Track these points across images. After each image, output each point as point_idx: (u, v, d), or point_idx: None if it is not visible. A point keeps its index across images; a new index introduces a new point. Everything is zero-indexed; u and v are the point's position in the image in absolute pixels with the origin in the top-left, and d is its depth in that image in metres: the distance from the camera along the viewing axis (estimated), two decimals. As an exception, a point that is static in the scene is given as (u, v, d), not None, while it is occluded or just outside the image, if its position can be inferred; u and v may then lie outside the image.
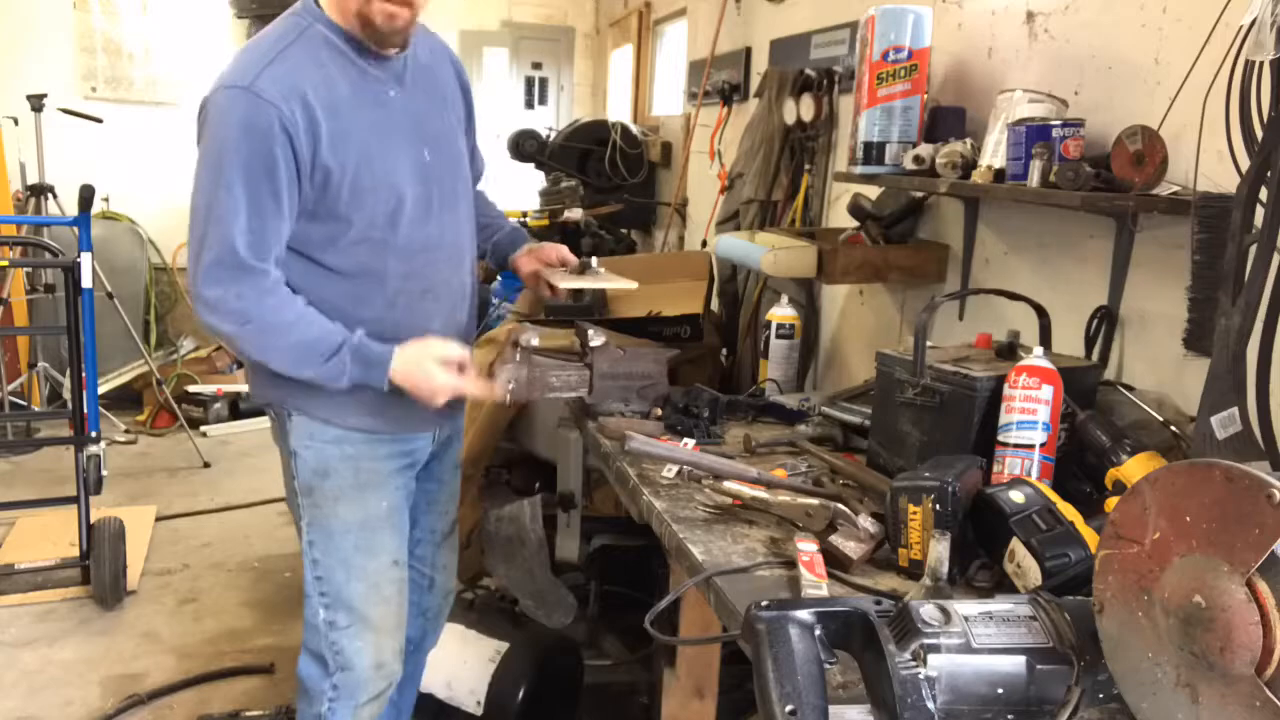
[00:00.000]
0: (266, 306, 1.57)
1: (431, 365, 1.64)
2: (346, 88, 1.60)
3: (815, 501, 1.46)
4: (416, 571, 1.97)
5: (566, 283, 1.89)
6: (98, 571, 3.13)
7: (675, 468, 1.69)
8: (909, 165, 2.17)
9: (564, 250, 1.95)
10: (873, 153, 2.26)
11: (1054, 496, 1.33)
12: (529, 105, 6.18)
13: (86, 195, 3.34)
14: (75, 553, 3.29)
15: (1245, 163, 1.35)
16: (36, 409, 4.78)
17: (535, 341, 1.76)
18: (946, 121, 2.23)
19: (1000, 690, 0.92)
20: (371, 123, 1.62)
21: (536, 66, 6.19)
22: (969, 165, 2.00)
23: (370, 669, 1.79)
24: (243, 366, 1.79)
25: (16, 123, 4.73)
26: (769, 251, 2.42)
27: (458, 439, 2.01)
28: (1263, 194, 1.32)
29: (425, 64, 1.76)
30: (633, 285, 1.94)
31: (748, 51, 3.71)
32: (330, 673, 1.78)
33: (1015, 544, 1.26)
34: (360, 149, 1.61)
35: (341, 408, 1.69)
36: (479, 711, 2.38)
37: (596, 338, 1.81)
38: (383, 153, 1.64)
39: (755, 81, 3.52)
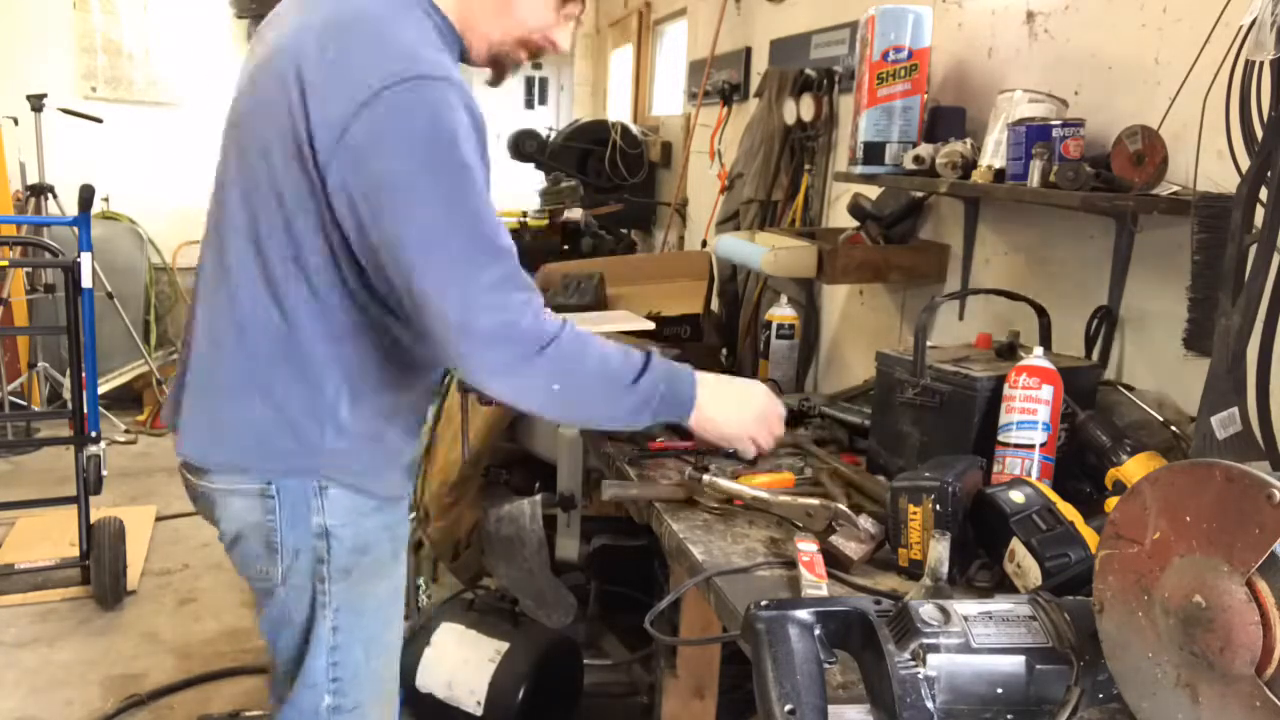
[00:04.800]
0: (564, 325, 1.28)
1: (749, 397, 1.50)
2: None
3: (815, 501, 1.46)
4: None
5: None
6: (98, 571, 3.14)
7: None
8: (909, 165, 2.17)
9: None
10: (873, 153, 2.26)
11: (1054, 496, 1.33)
12: (529, 105, 6.17)
13: (86, 195, 3.35)
14: (75, 553, 3.29)
15: (1245, 163, 1.35)
16: (36, 409, 4.78)
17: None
18: (946, 121, 2.23)
19: (1000, 690, 0.92)
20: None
21: (536, 66, 6.19)
22: (969, 165, 2.00)
23: None
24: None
25: (16, 123, 4.73)
26: (769, 251, 2.42)
27: None
28: (1263, 194, 1.32)
29: None
30: (648, 325, 1.83)
31: (748, 51, 3.71)
32: None
33: (1015, 544, 1.26)
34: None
35: (381, 473, 1.46)
36: (479, 711, 2.38)
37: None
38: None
39: (755, 81, 3.52)
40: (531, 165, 4.89)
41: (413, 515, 2.72)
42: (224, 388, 1.39)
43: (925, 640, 0.91)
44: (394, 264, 1.25)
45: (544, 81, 6.23)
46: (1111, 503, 1.35)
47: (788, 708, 0.86)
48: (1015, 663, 0.92)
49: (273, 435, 1.37)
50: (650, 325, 1.87)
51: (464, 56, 1.45)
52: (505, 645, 2.45)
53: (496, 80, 1.52)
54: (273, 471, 1.39)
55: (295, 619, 1.47)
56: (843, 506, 1.43)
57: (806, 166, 3.01)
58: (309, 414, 1.37)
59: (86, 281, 3.18)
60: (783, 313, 2.54)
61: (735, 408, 1.52)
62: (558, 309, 1.86)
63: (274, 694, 1.56)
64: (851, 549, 1.37)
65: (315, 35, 1.28)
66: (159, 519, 3.92)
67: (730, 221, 3.35)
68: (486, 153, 1.31)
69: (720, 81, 3.85)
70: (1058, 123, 1.78)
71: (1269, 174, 1.30)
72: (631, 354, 1.38)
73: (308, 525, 1.41)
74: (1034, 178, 1.75)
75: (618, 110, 5.69)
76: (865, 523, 1.41)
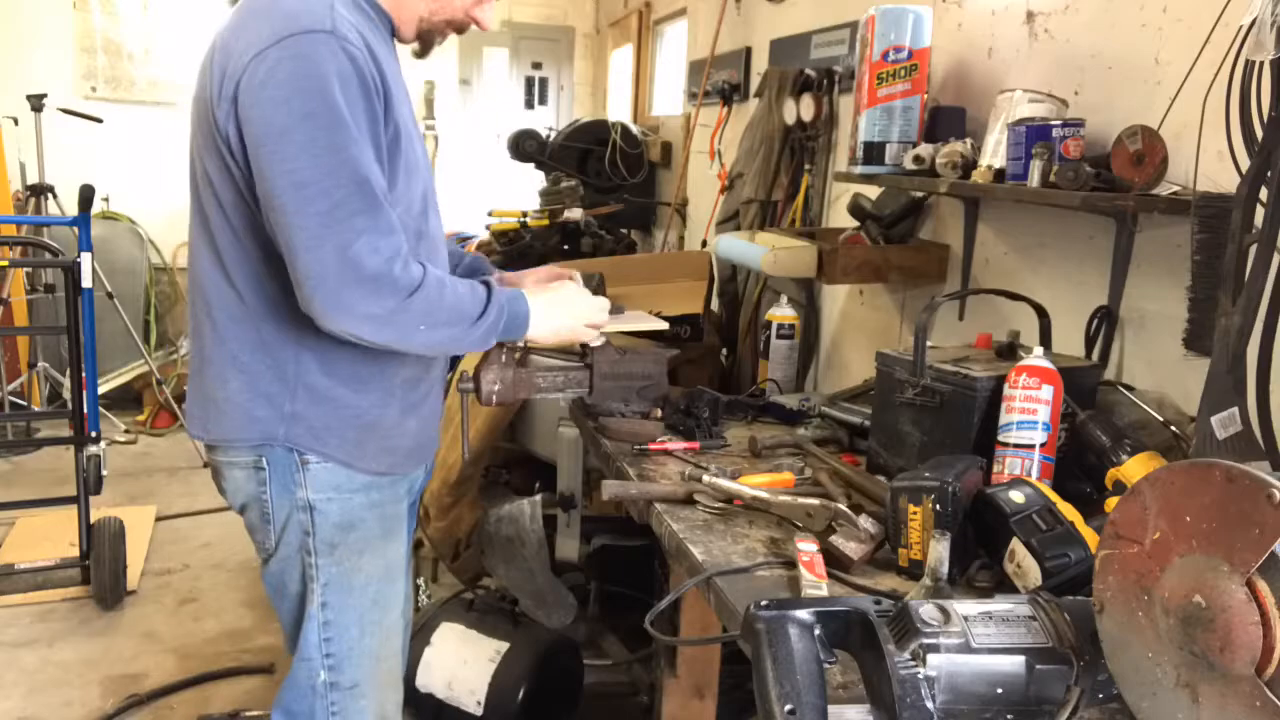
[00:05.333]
0: (425, 270, 1.33)
1: (573, 301, 1.60)
2: (381, 49, 1.41)
3: (815, 501, 1.46)
4: None
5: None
6: (98, 571, 3.14)
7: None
8: (909, 165, 2.17)
9: (552, 272, 1.77)
10: (873, 153, 2.26)
11: (1054, 496, 1.33)
12: (529, 105, 6.17)
13: (86, 195, 3.35)
14: (75, 553, 3.29)
15: (1245, 163, 1.35)
16: (36, 409, 4.78)
17: (521, 343, 1.73)
18: (946, 121, 2.23)
19: (1000, 690, 0.92)
20: (402, 93, 1.45)
21: (536, 66, 6.19)
22: (969, 165, 2.00)
23: None
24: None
25: (16, 123, 4.72)
26: (769, 251, 2.42)
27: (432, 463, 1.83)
28: (1263, 194, 1.32)
29: None
30: (661, 325, 1.91)
31: (748, 51, 3.71)
32: None
33: (1015, 544, 1.26)
34: (406, 117, 1.44)
35: (364, 445, 1.49)
36: (479, 711, 2.38)
37: (597, 338, 1.81)
38: (412, 129, 1.48)
39: (755, 81, 3.52)
40: (531, 165, 4.89)
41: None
42: (207, 367, 1.48)
43: (925, 640, 0.91)
44: (271, 214, 1.30)
45: (544, 81, 6.22)
46: (1111, 503, 1.35)
47: (788, 708, 0.86)
48: (1015, 663, 0.92)
49: (250, 405, 1.44)
50: (664, 325, 1.88)
51: (395, 33, 1.51)
52: (505, 645, 2.45)
53: (423, 53, 1.59)
54: (254, 440, 1.45)
55: (290, 590, 1.55)
56: (843, 506, 1.43)
57: (806, 166, 3.01)
58: (279, 381, 1.44)
59: (86, 281, 3.18)
60: (783, 313, 2.54)
61: (564, 314, 1.61)
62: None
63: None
64: (851, 549, 1.36)
65: (233, 18, 1.38)
66: (159, 519, 3.92)
67: (730, 221, 3.35)
68: (390, 104, 1.35)
69: (720, 81, 3.85)
70: (1058, 123, 1.78)
71: (1269, 174, 1.30)
72: (476, 288, 1.45)
73: (293, 498, 1.48)
74: (1034, 178, 1.75)
75: (618, 110, 5.69)
76: (865, 523, 1.41)
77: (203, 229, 1.44)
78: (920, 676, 0.89)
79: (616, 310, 1.76)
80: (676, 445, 1.87)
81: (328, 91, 1.27)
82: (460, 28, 1.57)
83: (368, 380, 1.48)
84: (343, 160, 1.27)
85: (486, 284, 1.47)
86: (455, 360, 2.91)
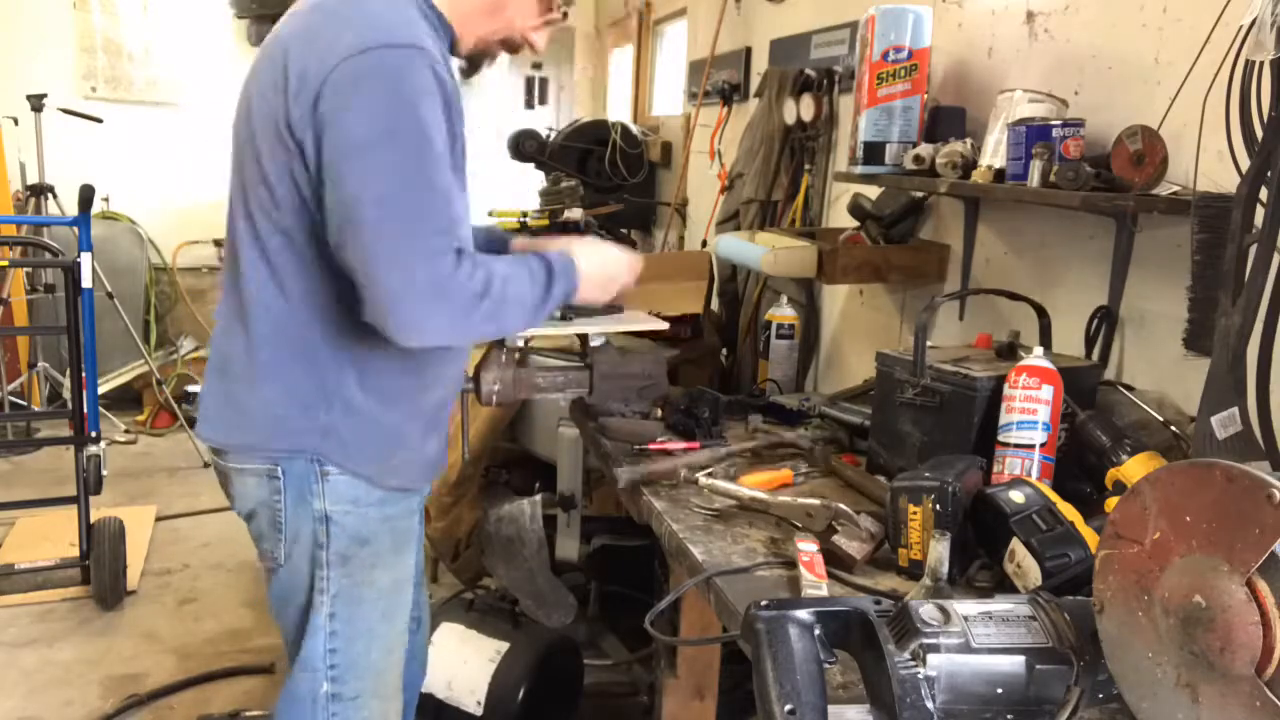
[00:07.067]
0: (488, 278, 1.36)
1: (611, 256, 1.61)
2: (448, 64, 1.42)
3: (816, 501, 1.46)
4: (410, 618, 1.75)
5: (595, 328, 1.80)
6: (98, 571, 3.14)
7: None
8: (909, 165, 2.17)
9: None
10: (873, 153, 2.26)
11: (1054, 496, 1.33)
12: (529, 105, 6.17)
13: (86, 195, 3.35)
14: (75, 553, 3.29)
15: (1245, 163, 1.35)
16: (36, 409, 4.78)
17: (520, 342, 1.73)
18: (946, 121, 2.23)
19: (1000, 690, 0.92)
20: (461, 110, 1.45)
21: (536, 66, 6.19)
22: (969, 165, 2.00)
23: None
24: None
25: (16, 123, 4.72)
26: (769, 251, 2.42)
27: None
28: (1263, 194, 1.32)
29: None
30: (661, 325, 1.93)
31: (748, 51, 3.71)
32: None
33: (1015, 544, 1.26)
34: (464, 133, 1.44)
35: (389, 460, 1.50)
36: (479, 711, 2.39)
37: (596, 338, 1.81)
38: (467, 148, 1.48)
39: (755, 81, 3.52)
40: (531, 165, 4.89)
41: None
42: (239, 372, 1.45)
43: (925, 640, 0.91)
44: (347, 225, 1.29)
45: (544, 81, 6.22)
46: (1111, 503, 1.35)
47: (788, 708, 0.86)
48: (1015, 663, 0.92)
49: (286, 415, 1.43)
50: (664, 325, 1.88)
51: (452, 48, 1.51)
52: (505, 645, 2.45)
53: (471, 72, 1.58)
54: (282, 450, 1.44)
55: (296, 600, 1.53)
56: (843, 506, 1.43)
57: (806, 166, 3.01)
58: (318, 392, 1.43)
59: (86, 281, 3.18)
60: (783, 313, 2.54)
61: (612, 274, 1.61)
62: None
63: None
64: (854, 548, 1.37)
65: (303, 20, 1.36)
66: (159, 519, 3.92)
67: (730, 221, 3.35)
68: (456, 118, 1.35)
69: (720, 81, 3.84)
70: (1058, 123, 1.78)
71: (1269, 174, 1.30)
72: (535, 272, 1.45)
73: (309, 509, 1.46)
74: (1034, 178, 1.75)
75: (618, 110, 5.69)
76: (865, 523, 1.41)
77: (250, 232, 1.40)
78: (920, 676, 0.89)
79: (615, 310, 1.77)
80: (676, 445, 1.87)
81: (416, 109, 1.27)
82: (513, 48, 1.56)
83: (399, 398, 1.48)
84: (426, 180, 1.28)
85: (547, 263, 1.47)
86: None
